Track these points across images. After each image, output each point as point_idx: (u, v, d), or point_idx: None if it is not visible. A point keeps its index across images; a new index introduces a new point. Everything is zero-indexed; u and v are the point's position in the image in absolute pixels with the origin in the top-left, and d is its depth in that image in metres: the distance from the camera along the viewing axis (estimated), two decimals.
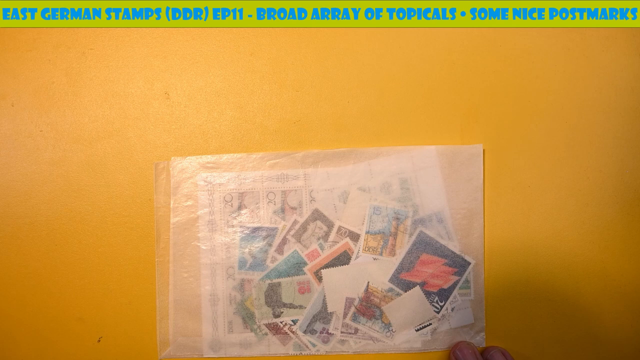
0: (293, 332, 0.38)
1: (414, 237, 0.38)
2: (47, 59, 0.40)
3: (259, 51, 0.40)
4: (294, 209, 0.39)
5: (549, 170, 0.39)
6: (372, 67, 0.40)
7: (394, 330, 0.38)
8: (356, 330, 0.38)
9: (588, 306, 0.39)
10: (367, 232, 0.38)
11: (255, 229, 0.39)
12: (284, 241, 0.39)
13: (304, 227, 0.39)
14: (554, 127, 0.39)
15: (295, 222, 0.39)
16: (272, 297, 0.38)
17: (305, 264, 0.38)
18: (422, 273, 0.38)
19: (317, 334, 0.38)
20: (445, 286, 0.38)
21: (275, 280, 0.38)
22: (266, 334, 0.38)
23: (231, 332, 0.38)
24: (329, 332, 0.38)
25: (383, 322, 0.38)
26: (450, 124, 0.39)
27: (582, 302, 0.39)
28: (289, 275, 0.38)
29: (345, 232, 0.38)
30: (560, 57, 0.40)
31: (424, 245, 0.38)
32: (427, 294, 0.38)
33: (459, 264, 0.38)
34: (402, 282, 0.38)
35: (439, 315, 0.38)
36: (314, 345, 0.38)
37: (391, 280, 0.38)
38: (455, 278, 0.38)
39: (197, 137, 0.39)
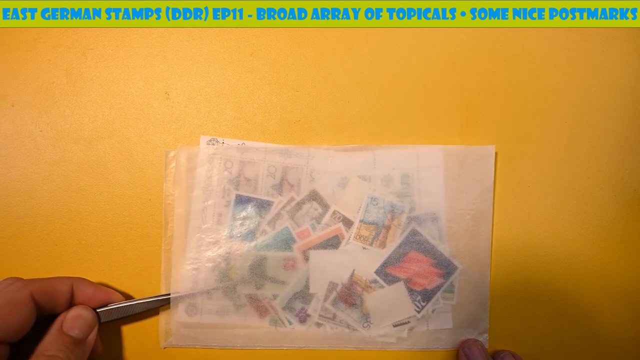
0: (272, 307, 0.38)
1: (406, 233, 0.38)
2: (47, 59, 0.40)
3: (259, 51, 0.40)
4: (292, 186, 0.39)
5: (549, 171, 0.39)
6: (372, 67, 0.40)
7: (371, 322, 0.38)
8: (334, 315, 0.38)
9: (588, 306, 0.39)
10: (361, 221, 0.38)
11: (249, 199, 0.38)
12: (278, 216, 0.38)
13: (299, 206, 0.38)
14: (554, 127, 0.39)
15: (291, 199, 0.38)
16: (257, 270, 0.38)
17: (294, 241, 0.38)
18: (408, 270, 0.38)
19: (295, 312, 0.38)
20: (430, 287, 0.38)
21: (262, 253, 0.38)
22: (245, 304, 0.38)
23: (210, 298, 0.38)
24: (307, 312, 0.38)
25: (362, 312, 0.38)
26: (450, 124, 0.39)
27: (582, 302, 0.39)
28: (276, 250, 0.38)
29: (340, 217, 0.38)
30: (560, 57, 0.40)
31: (415, 243, 0.38)
32: (410, 291, 0.38)
33: (446, 267, 0.38)
34: (387, 275, 0.38)
35: (419, 315, 0.38)
36: (290, 322, 0.38)
37: (377, 272, 0.38)
38: (441, 281, 0.38)
39: (197, 137, 0.39)
